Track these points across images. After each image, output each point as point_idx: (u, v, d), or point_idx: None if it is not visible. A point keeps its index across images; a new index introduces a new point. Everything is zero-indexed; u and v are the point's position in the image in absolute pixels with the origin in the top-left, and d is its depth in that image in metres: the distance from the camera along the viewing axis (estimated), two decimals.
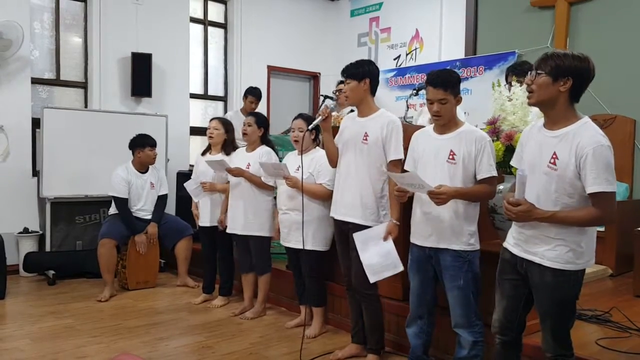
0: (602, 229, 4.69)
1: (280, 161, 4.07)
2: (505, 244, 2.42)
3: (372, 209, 3.07)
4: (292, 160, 3.82)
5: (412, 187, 2.68)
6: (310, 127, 3.33)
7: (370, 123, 3.09)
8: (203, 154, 4.64)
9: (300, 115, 3.83)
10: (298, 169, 3.64)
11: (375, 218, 3.08)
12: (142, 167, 5.02)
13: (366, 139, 3.06)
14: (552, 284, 2.21)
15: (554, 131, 2.20)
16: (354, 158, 3.11)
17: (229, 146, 4.52)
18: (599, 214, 2.12)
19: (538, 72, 2.18)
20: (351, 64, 3.15)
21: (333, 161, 3.29)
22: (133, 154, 4.98)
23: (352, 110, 3.34)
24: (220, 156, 4.43)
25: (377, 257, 2.98)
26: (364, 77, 3.08)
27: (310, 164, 3.60)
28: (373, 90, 3.15)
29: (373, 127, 3.07)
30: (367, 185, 3.07)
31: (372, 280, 3.01)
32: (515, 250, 2.33)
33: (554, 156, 2.16)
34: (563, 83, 2.13)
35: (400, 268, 2.98)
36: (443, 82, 2.69)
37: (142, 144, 4.95)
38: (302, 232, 3.56)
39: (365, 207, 3.07)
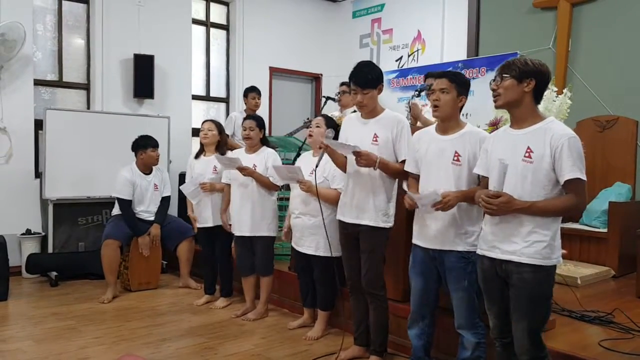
0: (604, 230, 4.70)
1: (283, 162, 4.07)
2: (479, 251, 2.45)
3: (384, 210, 3.05)
4: (306, 162, 3.75)
5: (424, 206, 2.69)
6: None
7: (379, 124, 3.06)
8: (197, 157, 4.65)
9: (323, 115, 3.85)
10: (312, 173, 3.61)
11: (386, 219, 3.06)
12: (146, 168, 5.02)
13: (376, 140, 3.03)
14: (530, 280, 2.25)
15: (522, 129, 2.32)
16: None
17: (222, 147, 4.53)
18: (575, 201, 2.21)
19: (503, 75, 2.32)
20: (362, 72, 3.02)
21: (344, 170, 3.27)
22: (136, 155, 4.98)
23: (355, 110, 3.31)
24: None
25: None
26: (379, 83, 3.05)
27: (325, 168, 3.54)
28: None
29: (382, 127, 3.04)
30: (379, 186, 3.04)
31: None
32: (492, 254, 2.37)
33: (529, 150, 2.26)
34: (527, 84, 2.29)
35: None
36: (448, 74, 2.78)
37: (144, 145, 4.95)
38: (317, 237, 3.60)
39: (378, 209, 3.04)
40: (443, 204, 2.61)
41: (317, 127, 3.67)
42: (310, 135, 3.71)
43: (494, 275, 2.38)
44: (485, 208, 2.28)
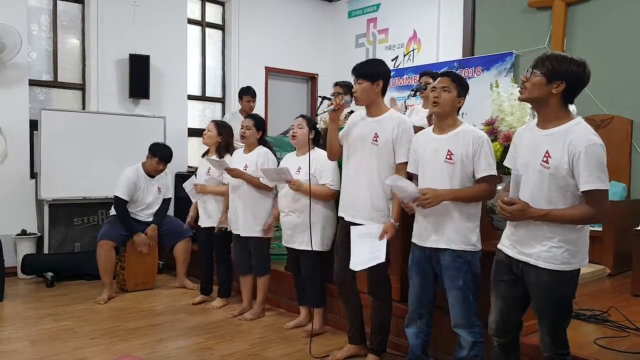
0: (599, 228, 4.72)
1: (279, 162, 4.07)
2: (499, 246, 2.44)
3: (382, 210, 3.04)
4: (290, 161, 3.80)
5: (404, 195, 2.72)
6: (320, 112, 3.24)
7: (381, 123, 3.06)
8: (203, 155, 4.66)
9: (302, 115, 3.85)
10: (299, 171, 3.63)
11: (385, 220, 3.04)
12: (150, 171, 5.01)
13: (376, 140, 3.03)
14: (548, 284, 2.23)
15: (546, 130, 2.24)
16: (364, 158, 3.07)
17: (222, 149, 4.50)
18: (593, 212, 2.14)
19: (534, 70, 2.22)
20: (364, 63, 3.09)
21: (334, 154, 3.28)
22: (147, 156, 4.99)
23: (351, 112, 3.31)
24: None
25: (368, 253, 2.97)
26: (378, 78, 3.04)
27: (311, 165, 3.55)
28: (384, 91, 3.11)
29: (383, 128, 3.03)
30: (378, 187, 3.03)
31: (351, 267, 3.02)
32: (510, 252, 2.35)
33: (547, 154, 2.19)
34: (556, 85, 2.18)
35: (382, 259, 2.94)
36: (450, 74, 2.81)
37: (154, 153, 4.94)
38: (308, 233, 3.58)
39: (376, 209, 3.04)
40: (421, 201, 2.63)
41: (300, 128, 3.69)
42: (293, 137, 3.72)
43: (507, 271, 2.36)
44: (500, 214, 2.26)
